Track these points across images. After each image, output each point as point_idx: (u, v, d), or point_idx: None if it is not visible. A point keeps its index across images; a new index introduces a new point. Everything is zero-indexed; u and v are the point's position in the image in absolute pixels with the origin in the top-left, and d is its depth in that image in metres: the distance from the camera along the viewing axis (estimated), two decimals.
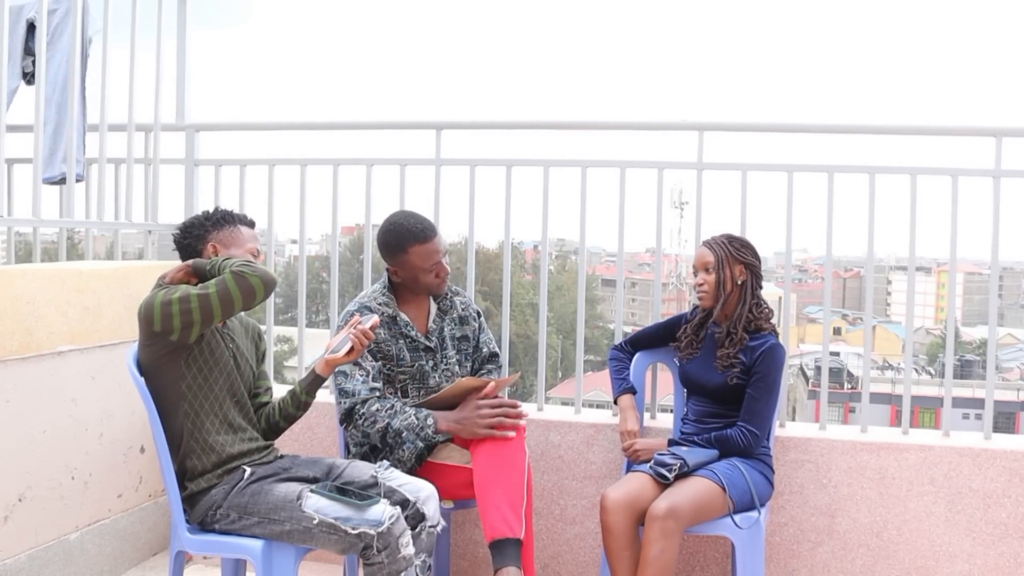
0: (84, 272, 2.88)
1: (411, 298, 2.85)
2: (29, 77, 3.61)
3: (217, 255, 2.47)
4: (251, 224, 2.58)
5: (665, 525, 2.45)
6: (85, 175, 3.55)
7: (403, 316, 2.80)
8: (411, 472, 2.63)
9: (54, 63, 3.49)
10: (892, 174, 3.07)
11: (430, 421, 2.60)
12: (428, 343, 2.81)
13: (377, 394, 2.67)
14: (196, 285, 2.32)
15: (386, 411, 2.62)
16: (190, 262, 2.43)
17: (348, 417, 2.65)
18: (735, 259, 2.78)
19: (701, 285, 2.81)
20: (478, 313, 2.98)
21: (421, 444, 2.62)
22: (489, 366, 2.97)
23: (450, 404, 2.70)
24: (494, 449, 2.54)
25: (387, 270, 2.82)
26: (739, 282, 2.79)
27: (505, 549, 2.43)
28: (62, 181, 3.44)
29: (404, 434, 2.59)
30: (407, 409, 2.63)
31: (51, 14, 3.52)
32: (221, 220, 2.54)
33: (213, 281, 2.28)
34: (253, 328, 2.67)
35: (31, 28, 3.58)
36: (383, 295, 2.80)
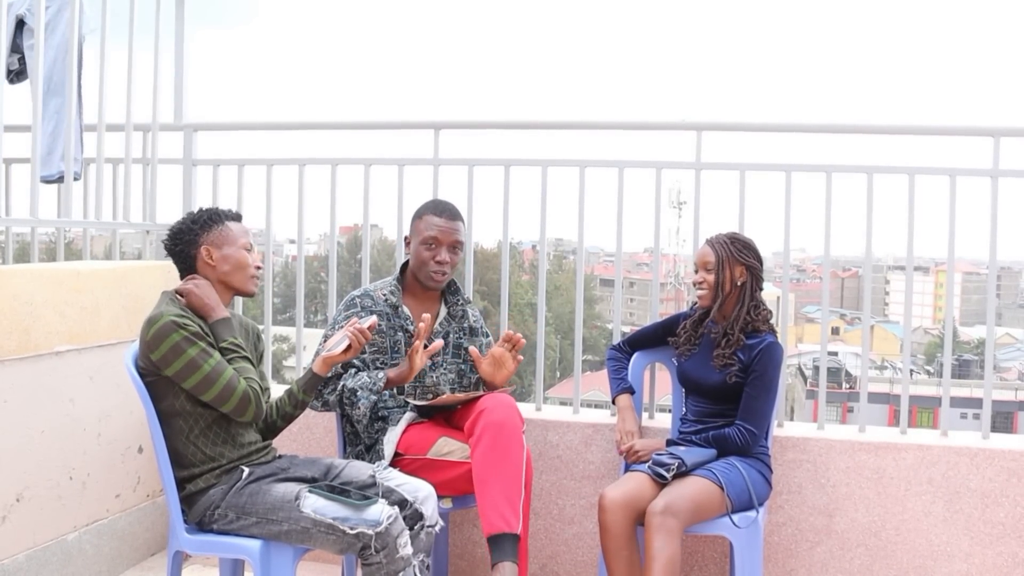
0: (82, 272, 2.88)
1: (420, 293, 2.86)
2: (12, 75, 3.54)
3: (211, 258, 2.45)
4: (238, 218, 2.56)
5: (664, 523, 2.44)
6: (83, 174, 3.54)
7: (405, 309, 2.81)
8: (367, 430, 2.71)
9: (46, 60, 3.35)
10: (890, 174, 3.07)
11: (380, 375, 2.68)
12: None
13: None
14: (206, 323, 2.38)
15: (342, 377, 2.70)
16: (213, 304, 2.43)
17: None
18: (736, 260, 2.77)
19: (700, 283, 2.80)
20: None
21: (374, 397, 2.66)
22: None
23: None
24: (492, 444, 2.54)
25: (404, 240, 2.92)
26: (738, 283, 2.78)
27: (502, 544, 2.44)
28: (60, 180, 3.41)
29: (359, 392, 2.65)
30: (360, 374, 2.70)
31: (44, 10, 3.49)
32: (209, 221, 2.49)
33: (225, 375, 2.32)
34: (252, 329, 2.66)
35: (19, 25, 3.51)
36: (391, 285, 2.86)
